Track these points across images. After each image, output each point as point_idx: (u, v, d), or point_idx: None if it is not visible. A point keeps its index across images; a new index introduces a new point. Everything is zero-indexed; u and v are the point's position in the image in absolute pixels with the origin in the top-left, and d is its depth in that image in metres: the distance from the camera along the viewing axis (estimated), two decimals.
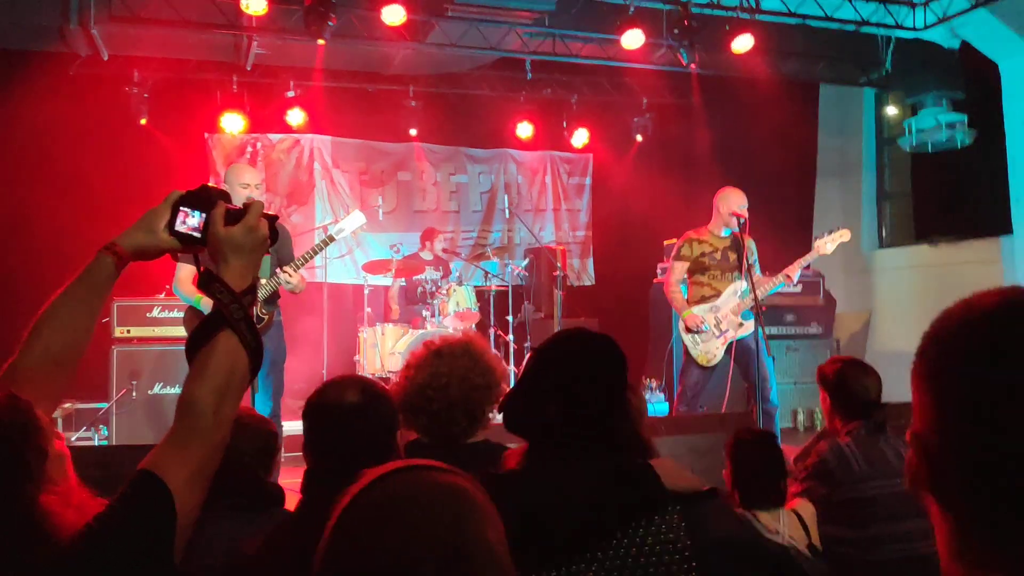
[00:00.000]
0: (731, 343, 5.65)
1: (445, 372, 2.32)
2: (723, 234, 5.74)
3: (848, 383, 3.02)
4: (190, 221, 1.54)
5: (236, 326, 1.38)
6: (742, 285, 5.64)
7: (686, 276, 5.80)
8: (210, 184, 1.61)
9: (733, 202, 5.68)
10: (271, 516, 2.26)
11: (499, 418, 1.88)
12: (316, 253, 5.12)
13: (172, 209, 1.54)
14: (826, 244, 5.64)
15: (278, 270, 4.84)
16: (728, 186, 5.87)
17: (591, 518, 1.56)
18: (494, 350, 8.03)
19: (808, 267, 7.82)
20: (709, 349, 5.65)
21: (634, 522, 1.57)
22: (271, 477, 2.59)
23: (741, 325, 5.63)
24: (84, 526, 1.22)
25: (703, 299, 5.69)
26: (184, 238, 1.54)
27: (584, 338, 1.83)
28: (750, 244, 5.74)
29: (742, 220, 5.61)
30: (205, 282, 1.43)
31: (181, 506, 1.26)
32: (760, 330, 5.42)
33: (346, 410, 1.98)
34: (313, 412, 2.04)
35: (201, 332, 1.39)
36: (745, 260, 5.59)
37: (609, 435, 1.71)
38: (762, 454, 2.79)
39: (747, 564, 1.69)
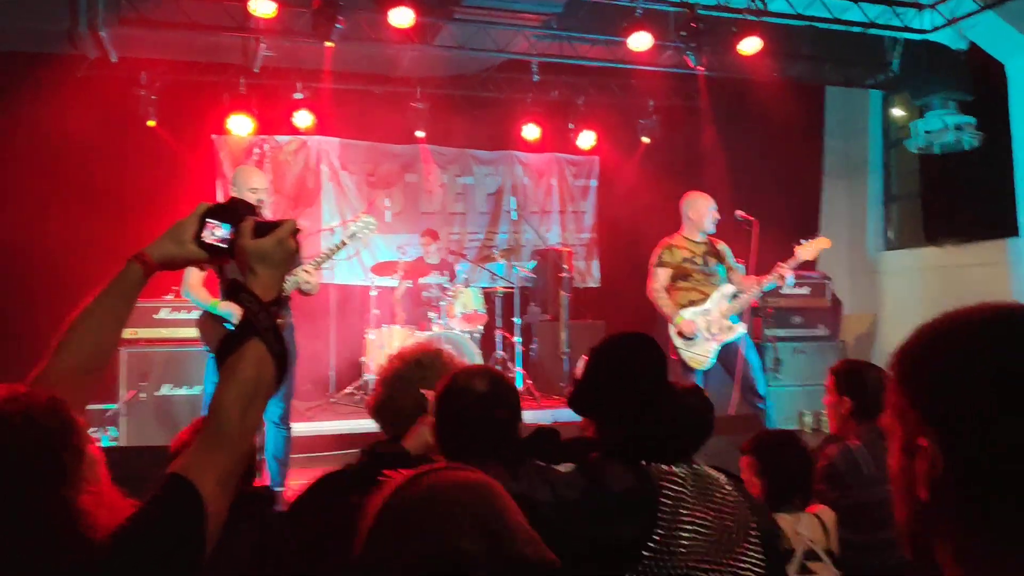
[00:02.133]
0: (725, 344, 5.70)
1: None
2: (698, 239, 5.82)
3: (872, 384, 3.01)
4: (218, 233, 1.57)
5: (264, 335, 1.42)
6: (730, 288, 5.71)
7: (668, 284, 5.84)
8: (239, 198, 1.64)
9: (703, 207, 5.78)
10: (260, 519, 2.28)
11: None
12: (329, 257, 5.13)
13: (200, 220, 1.58)
14: (805, 250, 5.69)
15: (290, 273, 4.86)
16: (693, 191, 5.97)
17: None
18: (501, 351, 8.07)
19: (814, 269, 7.85)
20: (699, 352, 5.69)
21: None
22: (251, 482, 2.63)
23: (731, 328, 5.68)
24: (118, 527, 1.25)
25: (691, 303, 5.73)
26: (211, 249, 1.58)
27: (629, 339, 2.31)
28: (725, 248, 5.83)
29: (750, 222, 5.67)
30: (233, 292, 1.47)
31: (211, 509, 1.29)
32: (747, 336, 5.62)
33: (476, 397, 2.14)
34: (442, 400, 2.16)
35: (230, 341, 1.42)
36: (727, 263, 5.73)
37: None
38: (793, 454, 2.78)
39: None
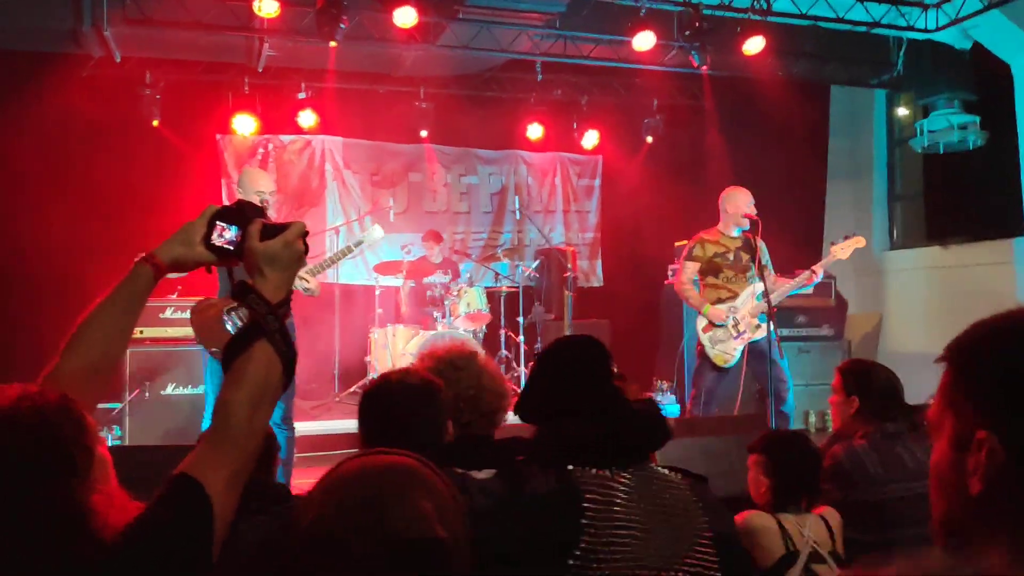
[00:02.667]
0: (745, 345, 5.64)
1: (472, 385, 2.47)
2: (734, 234, 5.74)
3: (881, 384, 3.00)
4: (226, 235, 1.59)
5: (271, 337, 1.43)
6: (760, 287, 5.62)
7: (698, 278, 5.80)
8: (247, 200, 1.66)
9: (741, 201, 5.68)
10: (277, 514, 2.29)
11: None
12: (334, 263, 5.15)
13: (208, 223, 1.60)
14: (841, 249, 5.63)
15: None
16: (733, 186, 5.88)
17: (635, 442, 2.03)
18: (505, 351, 8.07)
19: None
20: (726, 349, 5.64)
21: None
22: (272, 479, 2.64)
23: (758, 327, 5.61)
24: (126, 526, 1.26)
25: (719, 301, 5.68)
26: (220, 251, 1.60)
27: (571, 341, 2.29)
28: (761, 245, 5.74)
29: (754, 220, 5.61)
30: (241, 293, 1.48)
31: (218, 509, 1.30)
32: (773, 332, 5.44)
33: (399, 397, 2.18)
34: (367, 398, 2.23)
35: (238, 342, 1.43)
36: (759, 260, 5.59)
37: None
38: (803, 454, 2.76)
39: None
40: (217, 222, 1.59)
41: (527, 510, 1.93)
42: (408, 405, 2.17)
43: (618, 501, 1.90)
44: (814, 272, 5.60)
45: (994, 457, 0.90)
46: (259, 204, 4.82)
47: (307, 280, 4.78)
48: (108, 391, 6.51)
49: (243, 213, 1.60)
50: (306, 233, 1.59)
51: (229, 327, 4.22)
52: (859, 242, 5.71)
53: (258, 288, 1.48)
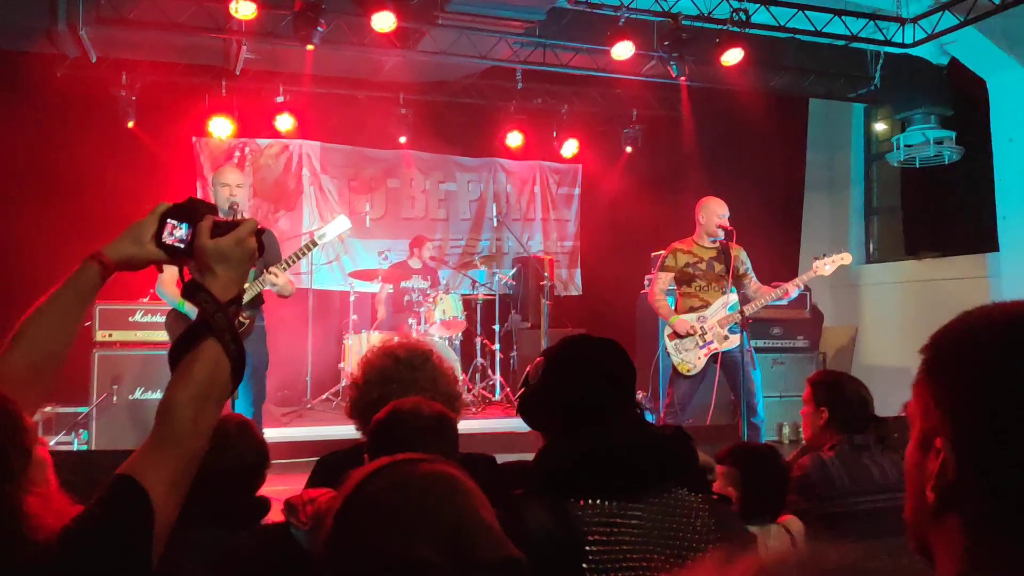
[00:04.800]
0: (718, 355, 5.65)
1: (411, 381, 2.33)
2: (707, 244, 5.76)
3: (851, 396, 3.00)
4: (177, 233, 1.55)
5: (220, 335, 1.39)
6: (733, 298, 5.64)
7: (673, 287, 5.81)
8: (197, 197, 1.63)
9: (715, 211, 5.71)
10: (254, 529, 2.23)
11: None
12: (300, 257, 5.08)
13: (159, 221, 1.56)
14: (825, 265, 5.65)
15: (265, 271, 4.81)
16: (708, 196, 5.91)
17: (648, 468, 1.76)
18: (481, 359, 8.03)
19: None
20: (689, 359, 5.65)
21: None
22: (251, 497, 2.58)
23: (727, 338, 5.62)
24: (62, 528, 1.21)
25: (691, 309, 5.70)
26: (170, 250, 1.56)
27: (593, 343, 1.99)
28: (740, 253, 5.75)
29: (728, 231, 5.63)
30: (191, 291, 1.44)
31: (159, 510, 1.26)
32: (747, 343, 5.46)
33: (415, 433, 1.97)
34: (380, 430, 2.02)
35: (185, 340, 1.40)
36: (733, 270, 5.61)
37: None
38: (773, 469, 2.75)
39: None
40: (168, 220, 1.56)
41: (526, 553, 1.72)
42: (421, 440, 1.95)
43: (626, 539, 1.67)
44: (789, 288, 5.61)
45: (946, 470, 0.86)
46: (227, 196, 4.79)
47: (275, 275, 4.72)
48: (72, 393, 6.45)
49: (194, 210, 1.56)
50: (260, 231, 1.55)
51: None
52: (845, 259, 5.71)
53: (208, 286, 1.44)
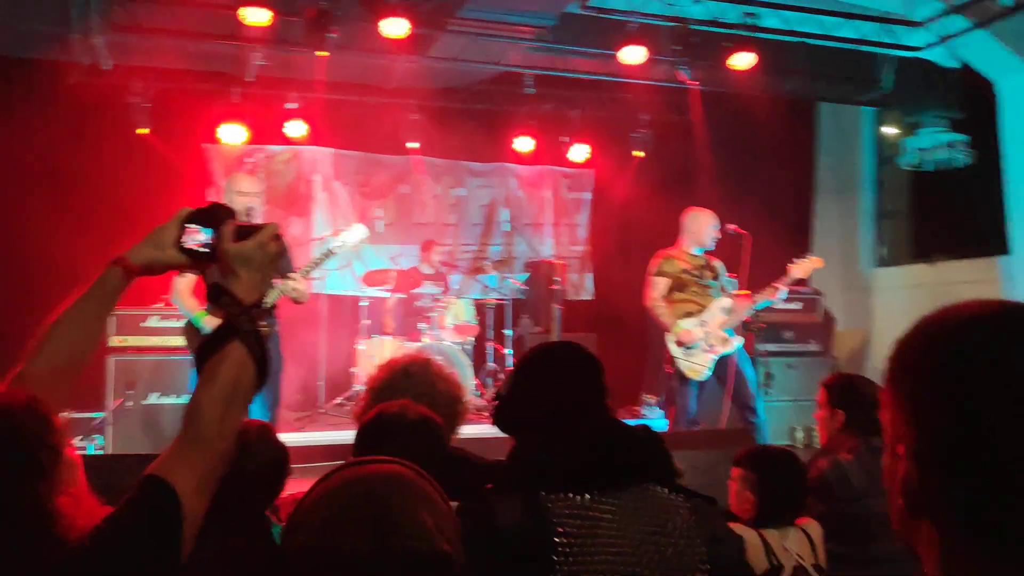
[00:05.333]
0: (722, 357, 5.71)
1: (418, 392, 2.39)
2: (695, 252, 5.86)
3: (866, 397, 3.00)
4: (199, 237, 1.58)
5: (245, 338, 1.41)
6: (727, 301, 5.74)
7: (665, 294, 5.88)
8: (219, 202, 1.65)
9: (708, 222, 5.83)
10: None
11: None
12: (317, 266, 5.11)
13: (180, 225, 1.58)
14: (797, 268, 5.76)
15: (278, 280, 4.83)
16: (695, 207, 6.01)
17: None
18: (492, 363, 8.04)
19: (807, 284, 7.85)
20: (697, 363, 5.69)
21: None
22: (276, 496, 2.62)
23: (726, 341, 5.71)
24: (94, 528, 1.24)
25: (688, 315, 5.76)
26: (192, 254, 1.58)
27: (558, 348, 2.08)
28: (721, 266, 5.89)
29: (742, 236, 5.71)
30: (215, 295, 1.46)
31: (188, 510, 1.28)
32: (740, 346, 5.63)
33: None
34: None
35: (211, 343, 1.42)
36: (719, 279, 5.78)
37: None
38: (791, 472, 2.75)
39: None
40: (189, 224, 1.58)
41: (490, 546, 1.70)
42: (405, 442, 2.03)
43: (599, 531, 1.70)
44: (775, 290, 5.70)
45: (909, 478, 0.85)
46: (242, 206, 4.83)
47: (296, 280, 4.77)
48: (88, 398, 6.48)
49: (215, 215, 1.58)
50: (280, 235, 1.58)
51: None
52: (816, 263, 5.85)
53: (232, 289, 1.47)
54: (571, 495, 1.73)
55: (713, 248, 5.92)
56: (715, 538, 1.80)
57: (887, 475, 0.92)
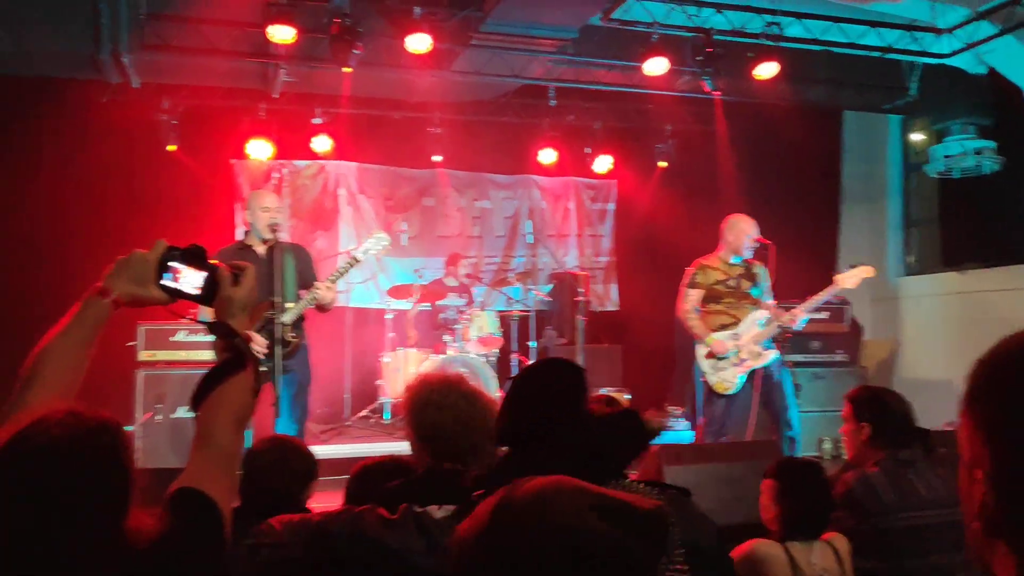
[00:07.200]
0: (752, 371, 5.62)
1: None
2: (733, 261, 5.75)
3: (893, 410, 2.97)
4: (187, 279, 1.68)
5: (254, 367, 1.64)
6: (763, 313, 5.63)
7: (699, 305, 5.79)
8: (197, 244, 1.73)
9: (745, 229, 5.70)
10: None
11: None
12: (342, 275, 5.15)
13: (160, 264, 1.68)
14: (847, 279, 5.59)
15: (303, 290, 4.89)
16: (736, 213, 5.89)
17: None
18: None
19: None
20: (726, 377, 5.62)
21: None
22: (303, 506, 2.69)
23: (761, 354, 5.60)
24: (155, 538, 1.36)
25: (722, 327, 5.67)
26: (177, 294, 1.69)
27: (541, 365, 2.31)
28: (763, 271, 5.74)
29: (767, 246, 5.63)
30: (225, 332, 1.67)
31: (224, 518, 1.46)
32: (779, 357, 5.46)
33: None
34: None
35: (227, 369, 1.61)
36: (759, 285, 5.64)
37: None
38: (815, 484, 2.73)
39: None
40: (170, 264, 1.67)
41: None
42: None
43: None
44: (796, 315, 5.58)
45: (986, 502, 0.85)
46: (267, 221, 4.90)
47: (324, 292, 4.84)
48: (116, 412, 6.53)
49: (205, 258, 1.70)
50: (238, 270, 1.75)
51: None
52: (867, 271, 5.64)
53: (236, 328, 1.69)
54: None
55: (751, 256, 5.78)
56: (687, 520, 1.89)
57: (963, 497, 0.91)
